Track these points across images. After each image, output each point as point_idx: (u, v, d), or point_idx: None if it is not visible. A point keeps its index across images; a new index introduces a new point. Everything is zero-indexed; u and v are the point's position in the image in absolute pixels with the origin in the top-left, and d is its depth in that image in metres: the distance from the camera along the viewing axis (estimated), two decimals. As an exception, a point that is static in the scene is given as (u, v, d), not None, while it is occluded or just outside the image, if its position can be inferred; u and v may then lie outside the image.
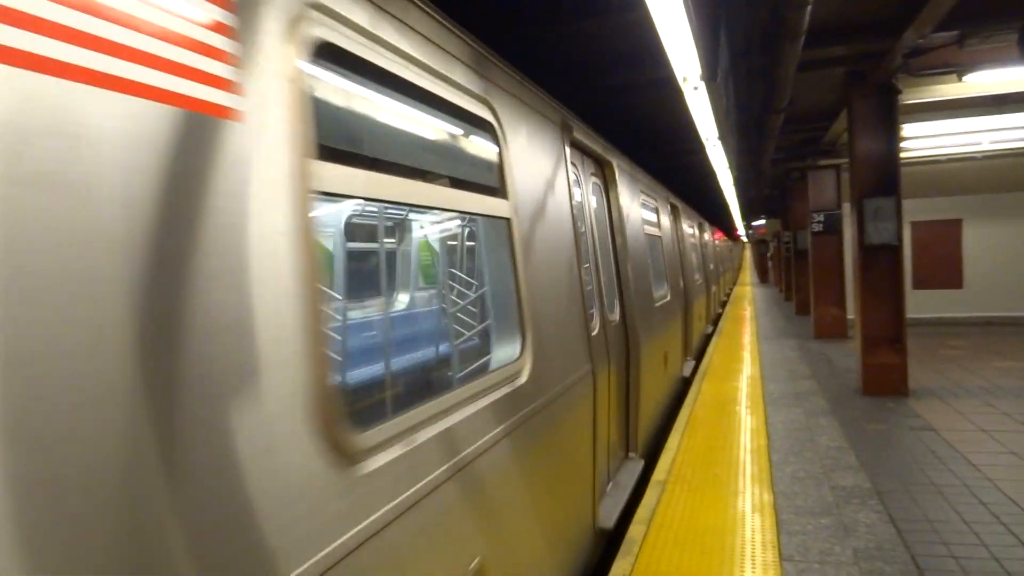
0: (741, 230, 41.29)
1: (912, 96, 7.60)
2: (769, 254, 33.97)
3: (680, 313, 8.71)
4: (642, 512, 4.29)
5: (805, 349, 10.97)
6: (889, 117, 7.24)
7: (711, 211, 26.50)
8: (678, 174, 14.78)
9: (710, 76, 3.49)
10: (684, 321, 9.20)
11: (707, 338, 13.15)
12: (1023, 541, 3.67)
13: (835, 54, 6.66)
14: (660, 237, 7.75)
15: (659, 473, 5.04)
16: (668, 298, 7.52)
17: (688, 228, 11.38)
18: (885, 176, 7.27)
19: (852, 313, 11.38)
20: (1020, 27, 2.89)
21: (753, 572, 3.45)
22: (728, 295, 25.62)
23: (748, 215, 31.55)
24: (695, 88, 3.84)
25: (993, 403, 6.69)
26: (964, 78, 6.95)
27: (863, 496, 4.43)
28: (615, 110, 8.82)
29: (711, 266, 16.11)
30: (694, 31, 2.86)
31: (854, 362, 8.48)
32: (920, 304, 12.75)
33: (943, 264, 13.05)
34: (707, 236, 16.74)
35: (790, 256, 18.17)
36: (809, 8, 4.13)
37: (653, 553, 3.70)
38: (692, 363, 9.77)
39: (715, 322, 15.95)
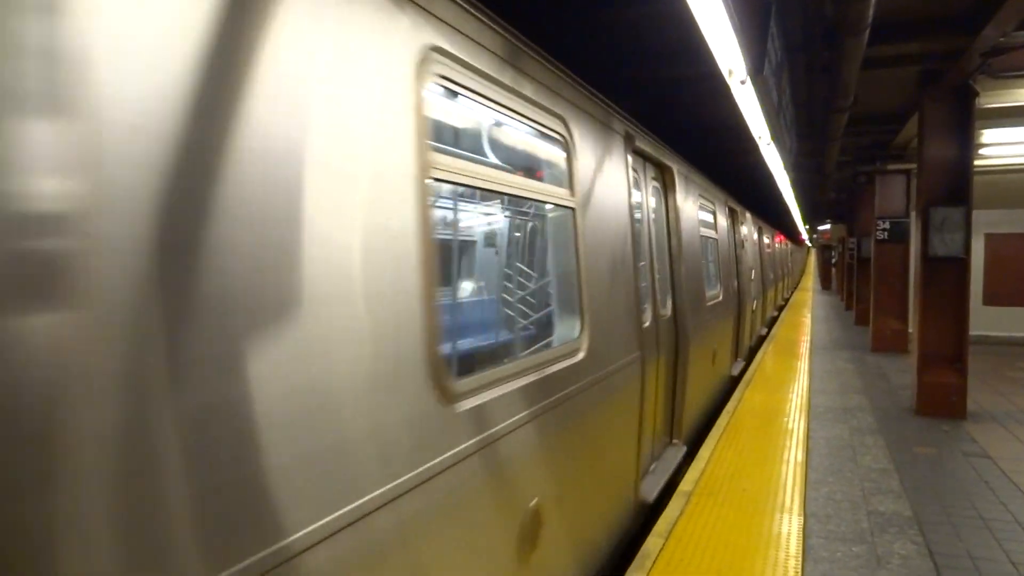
0: (804, 234, 39.94)
1: (991, 100, 7.10)
2: (833, 260, 32.75)
3: (732, 313, 8.87)
4: (662, 524, 4.12)
5: (860, 362, 10.47)
6: (964, 121, 6.77)
7: (772, 214, 25.68)
8: (736, 175, 14.30)
9: (756, 69, 3.27)
10: (736, 321, 9.33)
11: (760, 340, 13.05)
12: (1076, 590, 3.36)
13: (906, 51, 6.24)
14: (716, 239, 7.97)
15: (686, 484, 4.84)
16: (720, 298, 7.67)
17: (745, 231, 11.36)
18: (955, 184, 6.81)
19: (913, 327, 10.86)
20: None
21: (770, 599, 3.25)
22: (787, 300, 24.80)
23: (812, 219, 30.46)
24: (742, 82, 3.63)
25: (1061, 433, 6.21)
26: (1051, 81, 6.45)
27: (902, 524, 4.15)
28: (674, 106, 8.53)
29: (769, 271, 15.91)
30: (734, 20, 2.66)
31: (911, 379, 8.04)
32: (991, 321, 12.01)
33: (1019, 279, 12.26)
34: (766, 240, 16.37)
35: (853, 263, 17.41)
36: (873, 0, 3.84)
37: (667, 570, 3.54)
38: (741, 363, 9.83)
39: (770, 325, 15.49)
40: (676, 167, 5.68)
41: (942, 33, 5.75)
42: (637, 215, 4.56)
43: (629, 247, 4.06)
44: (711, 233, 7.60)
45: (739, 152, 10.40)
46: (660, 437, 5.19)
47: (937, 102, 6.82)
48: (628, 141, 4.23)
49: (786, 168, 8.20)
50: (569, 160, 3.16)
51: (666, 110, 8.17)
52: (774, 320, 17.22)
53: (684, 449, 5.57)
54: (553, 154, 3.24)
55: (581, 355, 3.15)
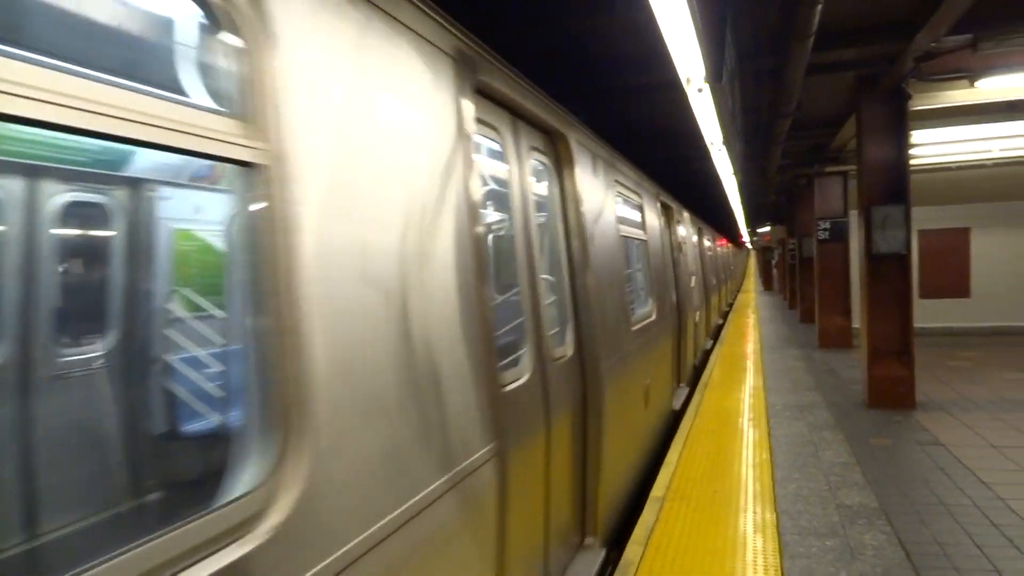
0: (746, 237, 41.08)
1: (922, 102, 7.43)
2: (774, 261, 33.77)
3: (670, 334, 7.35)
4: (639, 532, 4.12)
5: (809, 359, 10.78)
6: (899, 123, 7.07)
7: (717, 217, 26.32)
8: (685, 180, 14.61)
9: (715, 77, 3.33)
10: (676, 342, 7.85)
11: (707, 354, 11.89)
12: (1039, 569, 3.50)
13: (844, 57, 6.50)
14: (645, 242, 6.34)
15: (658, 489, 4.86)
16: (654, 317, 6.14)
17: (683, 232, 9.70)
18: (894, 183, 7.10)
19: (857, 322, 11.24)
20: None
21: (754, 598, 3.28)
22: (731, 305, 25.41)
23: (753, 222, 31.36)
24: (699, 90, 3.69)
25: (1003, 417, 6.50)
26: (976, 83, 6.78)
27: (870, 516, 4.25)
28: (622, 114, 8.66)
29: (713, 276, 14.29)
30: (699, 30, 2.71)
31: (859, 373, 8.31)
32: (926, 313, 12.55)
33: (951, 273, 12.86)
34: (708, 242, 14.89)
35: (795, 264, 17.98)
36: (819, 7, 3.97)
37: (649, 576, 3.53)
38: (685, 390, 8.38)
39: (716, 334, 15.37)
40: (575, 136, 3.85)
41: (878, 39, 6.00)
42: (492, 204, 3.24)
43: (470, 257, 2.30)
44: (637, 234, 5.84)
45: (688, 158, 10.61)
46: (563, 542, 3.46)
47: (874, 105, 7.10)
48: (464, 69, 2.41)
49: (735, 172, 8.40)
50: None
51: (613, 117, 8.28)
52: (720, 328, 16.32)
53: (601, 553, 3.78)
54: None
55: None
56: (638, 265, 6.25)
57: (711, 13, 2.94)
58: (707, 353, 11.97)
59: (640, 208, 6.25)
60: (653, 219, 6.82)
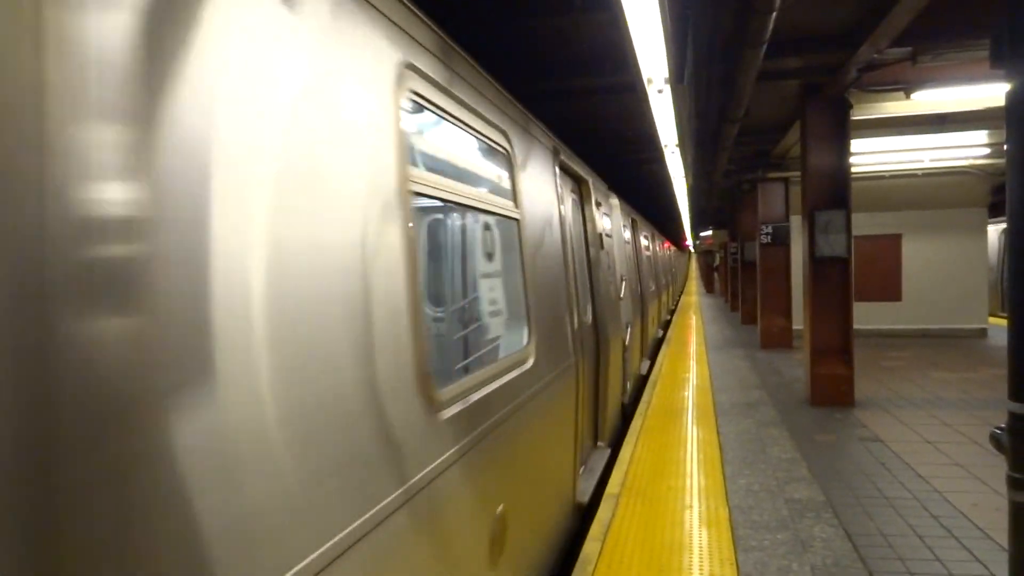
0: (689, 240, 42.00)
1: (861, 112, 7.73)
2: (715, 264, 34.64)
3: (580, 376, 6.10)
4: (596, 528, 4.14)
5: (753, 359, 11.08)
6: (841, 131, 7.34)
7: (663, 221, 26.82)
8: (633, 183, 14.82)
9: (677, 78, 3.39)
10: (592, 382, 6.61)
11: (644, 378, 10.71)
12: (976, 557, 3.66)
13: (790, 65, 6.70)
14: (518, 221, 6.60)
15: (612, 486, 4.90)
16: (532, 364, 5.71)
17: (609, 224, 8.86)
18: (836, 189, 7.36)
19: (797, 323, 11.60)
20: (993, 36, 2.86)
21: (712, 592, 3.33)
22: (672, 311, 25.93)
23: (697, 225, 32.09)
24: (659, 91, 3.74)
25: (935, 414, 6.81)
26: (912, 96, 7.10)
27: (817, 509, 4.38)
28: (573, 114, 8.72)
29: (651, 281, 13.07)
30: (667, 29, 2.74)
31: (801, 372, 8.58)
32: (860, 316, 13.04)
33: (884, 277, 13.42)
34: (645, 241, 13.62)
35: (737, 267, 18.46)
36: (774, 15, 4.07)
37: (609, 573, 3.55)
38: (605, 453, 6.74)
39: (657, 349, 14.68)
40: (592, 181, 5.31)
41: (824, 49, 6.21)
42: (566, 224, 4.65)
43: (560, 255, 4.23)
44: (507, 210, 3.36)
45: (641, 162, 10.76)
46: None
47: (818, 113, 7.35)
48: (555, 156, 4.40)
49: (685, 175, 8.56)
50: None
51: (560, 118, 8.33)
52: (660, 341, 14.70)
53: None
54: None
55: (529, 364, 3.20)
56: (510, 266, 3.74)
57: (676, 13, 2.99)
58: (652, 360, 11.85)
59: (507, 160, 3.54)
60: (546, 191, 4.33)
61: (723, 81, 5.99)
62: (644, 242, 12.00)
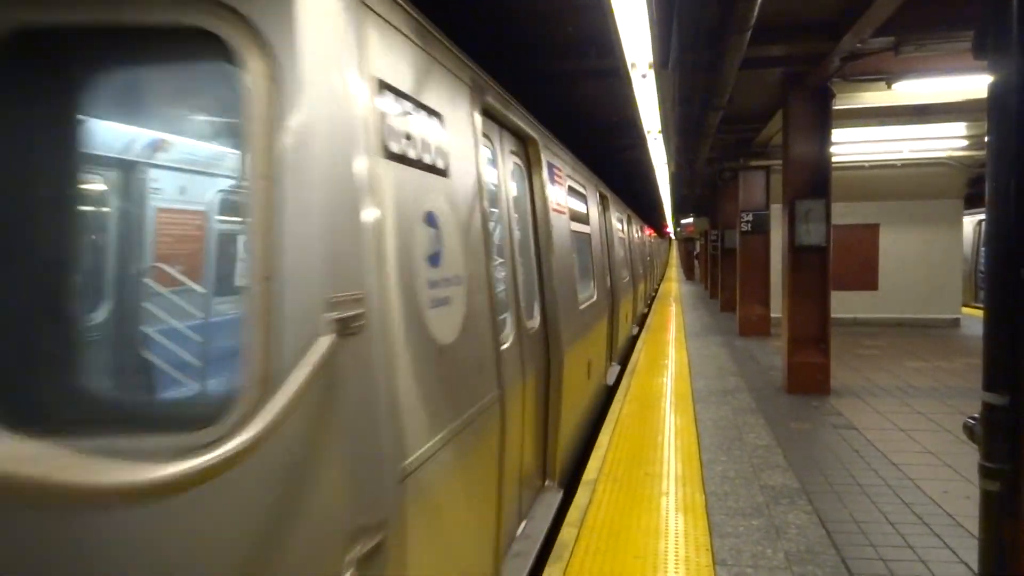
0: (670, 227, 42.16)
1: (843, 102, 7.75)
2: (696, 252, 34.82)
3: (606, 316, 7.51)
4: (573, 514, 4.15)
5: (731, 346, 11.16)
6: (823, 121, 7.35)
7: (645, 208, 26.87)
8: (615, 169, 14.78)
9: (662, 63, 3.35)
10: (610, 324, 8.04)
11: (633, 340, 11.90)
12: (947, 544, 3.72)
13: (774, 53, 6.69)
14: (588, 230, 6.59)
15: (590, 472, 4.91)
16: (595, 298, 6.43)
17: (585, 207, 8.55)
18: (817, 179, 7.39)
19: (776, 311, 11.69)
20: (976, 28, 2.85)
21: (687, 578, 3.35)
22: (656, 291, 26.06)
23: (678, 213, 32.19)
24: (643, 76, 3.70)
25: (909, 402, 6.91)
26: (893, 86, 7.11)
27: (792, 496, 4.42)
28: (556, 98, 8.64)
29: (624, 269, 12.10)
30: (652, 13, 2.69)
31: (778, 360, 8.66)
32: (837, 305, 13.15)
33: (861, 267, 13.56)
34: (619, 226, 13.15)
35: (717, 254, 18.56)
36: (760, 1, 4.04)
37: (586, 557, 3.56)
38: (617, 369, 8.64)
39: (640, 323, 15.35)
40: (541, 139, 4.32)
41: (807, 38, 6.20)
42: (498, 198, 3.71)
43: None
44: (583, 227, 6.37)
45: (623, 148, 10.70)
46: (531, 483, 4.10)
47: (801, 102, 7.36)
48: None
49: (668, 162, 8.55)
50: None
51: (549, 103, 8.26)
52: (645, 316, 15.73)
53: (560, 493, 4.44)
54: None
55: None
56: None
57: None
58: (633, 339, 12.14)
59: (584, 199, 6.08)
60: (594, 210, 6.64)
61: (708, 67, 5.96)
62: (618, 225, 10.60)
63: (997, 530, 2.85)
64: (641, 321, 15.23)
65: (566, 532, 3.89)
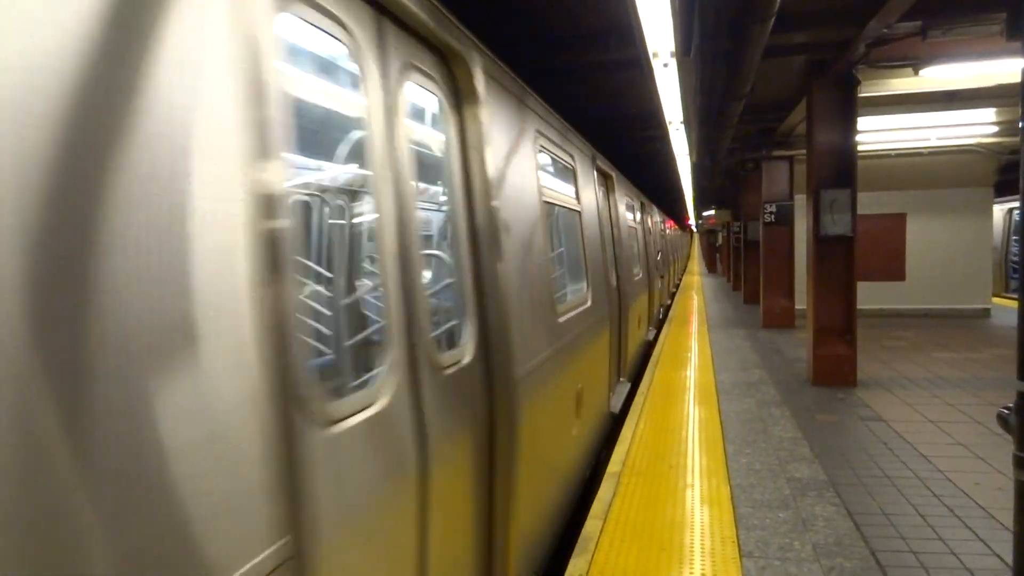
0: (692, 220, 41.84)
1: (868, 89, 7.62)
2: (718, 244, 34.52)
3: (608, 326, 6.07)
4: (597, 507, 4.14)
5: (754, 339, 11.06)
6: (848, 108, 7.24)
7: (666, 201, 26.70)
8: (637, 161, 14.71)
9: (684, 51, 3.31)
10: (616, 335, 6.72)
11: (655, 337, 11.32)
12: (979, 536, 3.66)
13: (797, 41, 6.58)
14: (579, 212, 5.33)
15: (614, 465, 4.90)
16: (589, 304, 5.09)
17: (628, 209, 8.71)
18: (842, 168, 7.28)
19: (799, 303, 11.56)
20: (1009, 7, 2.79)
21: (714, 570, 3.33)
22: (678, 285, 25.90)
23: (699, 205, 31.94)
24: (665, 65, 3.67)
25: (938, 394, 6.80)
26: (920, 72, 6.98)
27: (819, 488, 4.38)
28: (578, 91, 8.62)
29: (657, 263, 12.29)
30: (673, 0, 2.67)
31: (803, 352, 8.56)
32: (863, 295, 12.96)
33: (888, 257, 13.35)
34: (651, 223, 13.10)
35: (740, 246, 18.38)
36: (782, -13, 3.99)
37: (611, 550, 3.55)
38: (627, 387, 7.42)
39: (665, 312, 15.36)
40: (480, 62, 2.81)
41: (831, 24, 6.10)
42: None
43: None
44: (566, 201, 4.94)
45: (646, 140, 10.62)
46: None
47: (825, 90, 7.25)
48: None
49: (690, 152, 8.47)
50: None
51: (564, 95, 8.23)
52: (667, 310, 15.67)
53: None
54: None
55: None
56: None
57: (682, -15, 2.92)
58: (656, 336, 12.02)
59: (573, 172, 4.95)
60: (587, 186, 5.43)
61: (729, 56, 5.90)
62: (627, 213, 8.98)
63: (1032, 522, 2.79)
64: (661, 320, 14.39)
65: (591, 525, 3.89)
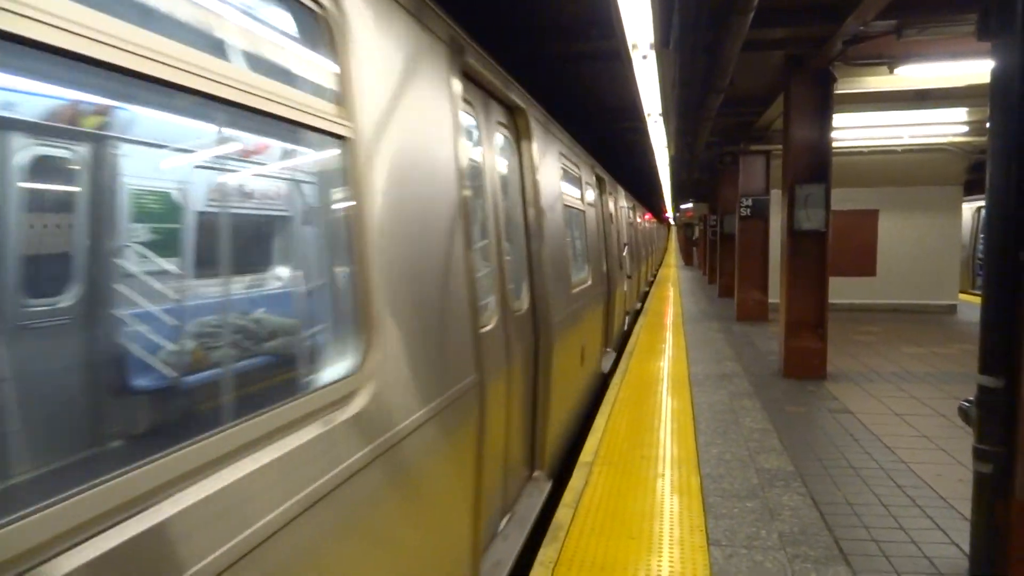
0: (669, 213, 42.08)
1: (844, 86, 7.70)
2: (694, 237, 34.79)
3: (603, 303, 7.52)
4: (569, 495, 4.17)
5: (728, 331, 11.19)
6: (825, 105, 7.31)
7: (644, 194, 26.80)
8: (615, 153, 14.73)
9: (663, 43, 3.32)
10: (605, 311, 7.94)
11: (631, 326, 12.04)
12: (939, 525, 3.75)
13: (776, 36, 6.63)
14: (583, 211, 6.67)
15: (586, 455, 4.94)
16: (589, 283, 6.47)
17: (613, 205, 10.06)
18: (817, 164, 7.37)
19: (773, 297, 11.70)
20: (981, 9, 2.83)
21: (682, 558, 3.38)
22: (655, 276, 26.07)
23: (677, 198, 32.10)
24: (644, 57, 3.67)
25: (904, 387, 6.94)
26: (895, 70, 7.07)
27: (787, 479, 4.46)
28: (556, 80, 8.59)
29: (632, 258, 12.81)
30: (652, -10, 2.67)
31: (775, 345, 8.68)
32: (834, 290, 13.16)
33: (859, 252, 13.55)
34: (636, 219, 14.62)
35: (716, 240, 18.54)
36: (762, -19, 4.00)
37: (580, 539, 3.59)
38: (612, 355, 8.68)
39: (642, 299, 15.74)
40: (533, 112, 4.41)
41: (810, 20, 6.15)
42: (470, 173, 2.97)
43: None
44: (578, 204, 6.62)
45: (625, 131, 10.63)
46: (517, 474, 4.02)
47: (803, 86, 7.31)
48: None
49: (668, 145, 8.51)
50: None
51: (547, 86, 8.20)
52: (643, 300, 16.40)
53: (548, 484, 4.35)
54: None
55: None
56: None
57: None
58: (631, 325, 12.22)
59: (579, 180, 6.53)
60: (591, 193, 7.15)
61: (709, 49, 5.92)
62: (612, 208, 10.12)
63: (989, 511, 2.88)
64: (639, 306, 15.23)
65: (562, 513, 3.92)
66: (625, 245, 10.68)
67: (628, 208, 12.78)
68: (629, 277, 11.51)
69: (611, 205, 9.61)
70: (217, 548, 1.21)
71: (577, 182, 6.44)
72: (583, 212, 6.66)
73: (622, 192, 11.87)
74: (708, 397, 6.63)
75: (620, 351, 9.48)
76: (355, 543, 1.73)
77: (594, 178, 7.80)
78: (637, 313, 13.58)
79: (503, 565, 3.18)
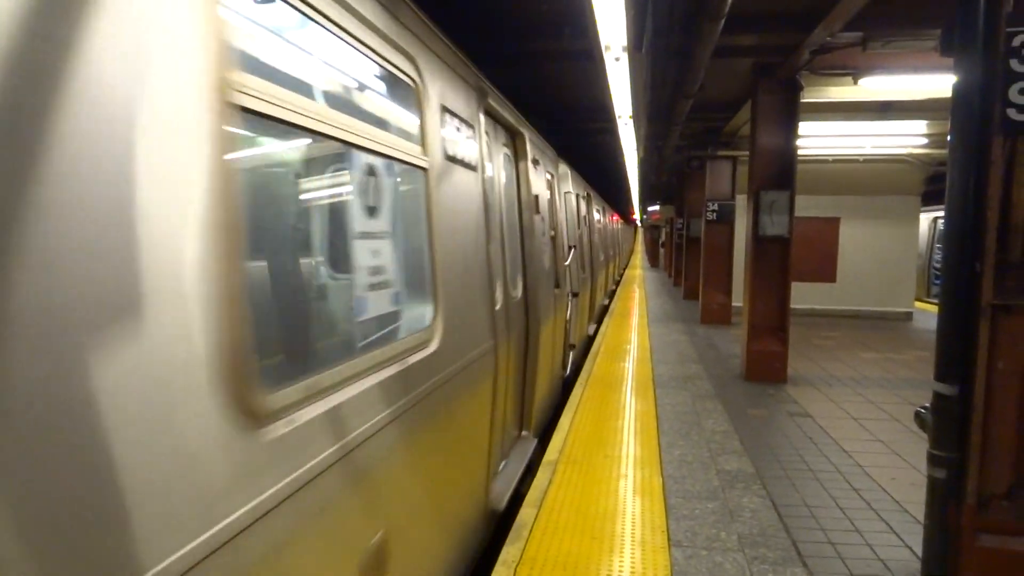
0: (637, 214, 42.43)
1: (810, 95, 7.83)
2: (661, 240, 35.14)
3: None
4: (533, 494, 4.17)
5: (692, 334, 11.32)
6: (791, 113, 7.43)
7: (612, 194, 26.99)
8: (584, 153, 14.78)
9: (636, 46, 3.33)
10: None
11: (597, 325, 12.09)
12: (892, 528, 3.84)
13: (745, 43, 6.71)
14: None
15: (551, 453, 4.94)
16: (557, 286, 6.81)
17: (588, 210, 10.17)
18: (782, 170, 7.49)
19: (736, 300, 11.87)
20: (945, 25, 2.89)
21: (643, 558, 3.40)
22: (621, 276, 26.27)
23: (644, 200, 32.41)
24: (616, 59, 3.68)
25: (862, 392, 7.10)
26: (859, 82, 7.22)
27: (747, 480, 4.51)
28: (528, 79, 8.58)
29: (601, 254, 13.33)
30: (626, -8, 2.67)
31: (738, 348, 8.81)
32: (795, 295, 13.39)
33: (820, 259, 13.84)
34: (603, 217, 14.62)
35: (682, 243, 18.75)
36: (733, -12, 4.04)
37: (543, 538, 3.58)
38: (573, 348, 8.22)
39: (604, 310, 15.60)
40: (529, 135, 5.52)
41: (778, 29, 6.24)
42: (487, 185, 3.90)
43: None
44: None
45: (594, 132, 10.66)
46: (510, 431, 4.81)
47: (770, 93, 7.42)
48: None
49: (637, 147, 8.56)
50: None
51: (515, 82, 8.19)
52: (608, 304, 16.59)
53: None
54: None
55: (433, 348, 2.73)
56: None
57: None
58: (597, 325, 12.26)
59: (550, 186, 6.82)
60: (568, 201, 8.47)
61: (680, 53, 5.97)
62: (593, 215, 11.04)
63: (941, 516, 2.95)
64: (603, 309, 15.13)
65: (525, 512, 3.91)
66: (572, 248, 8.67)
67: (588, 211, 11.43)
68: (591, 282, 10.90)
69: (583, 206, 9.68)
70: (369, 420, 2.08)
71: (551, 186, 6.92)
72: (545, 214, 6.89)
73: (598, 201, 12.01)
74: (671, 398, 6.69)
75: (584, 353, 9.32)
76: (426, 439, 2.61)
77: (570, 183, 8.48)
78: (601, 317, 13.46)
79: (503, 493, 4.07)
